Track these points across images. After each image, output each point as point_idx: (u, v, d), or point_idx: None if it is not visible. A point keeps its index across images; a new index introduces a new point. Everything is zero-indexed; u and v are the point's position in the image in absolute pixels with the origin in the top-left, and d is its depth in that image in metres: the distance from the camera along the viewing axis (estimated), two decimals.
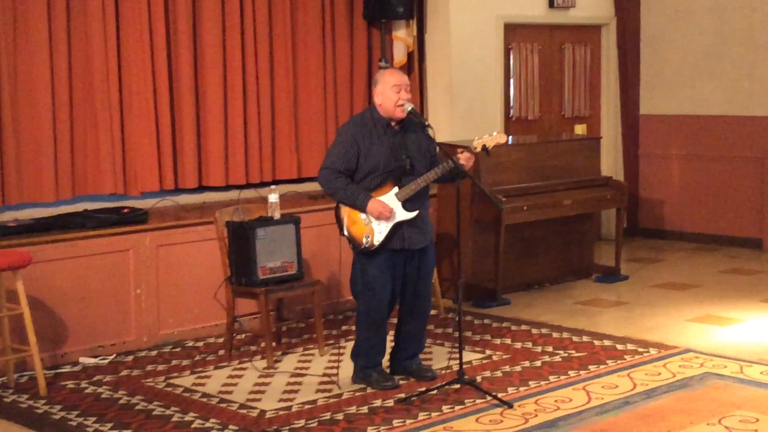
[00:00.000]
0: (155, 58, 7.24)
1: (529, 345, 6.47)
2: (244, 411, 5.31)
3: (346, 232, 5.57)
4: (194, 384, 5.84)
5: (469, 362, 6.05)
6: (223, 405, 5.42)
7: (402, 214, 5.50)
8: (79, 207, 6.89)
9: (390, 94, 5.50)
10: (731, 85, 9.65)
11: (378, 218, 5.47)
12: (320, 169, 5.58)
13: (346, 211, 5.55)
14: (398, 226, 5.50)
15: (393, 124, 5.56)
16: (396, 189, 5.50)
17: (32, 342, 5.67)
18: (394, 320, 5.85)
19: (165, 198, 7.39)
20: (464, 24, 8.68)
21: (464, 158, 5.45)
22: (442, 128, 8.39)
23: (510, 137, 8.94)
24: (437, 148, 5.71)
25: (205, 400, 5.53)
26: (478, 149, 5.53)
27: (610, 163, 9.99)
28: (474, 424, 4.99)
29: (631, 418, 5.05)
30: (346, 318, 7.30)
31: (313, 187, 8.14)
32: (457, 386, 5.47)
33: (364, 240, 5.49)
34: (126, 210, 6.74)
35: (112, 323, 6.48)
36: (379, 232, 5.48)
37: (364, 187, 5.49)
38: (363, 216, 5.49)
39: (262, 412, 5.29)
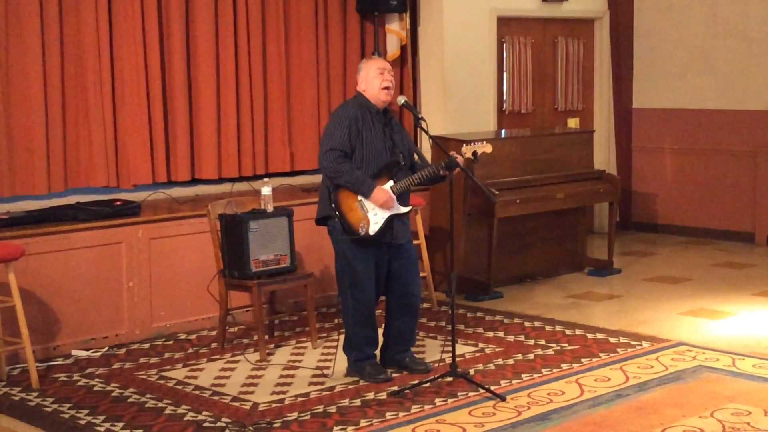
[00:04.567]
0: (148, 51, 7.22)
1: (522, 338, 6.47)
2: (236, 404, 5.31)
3: (343, 219, 5.48)
4: (187, 377, 5.83)
5: (462, 355, 6.06)
6: (216, 398, 5.42)
7: (397, 208, 5.51)
8: (72, 200, 6.89)
9: (374, 77, 5.52)
10: (724, 79, 9.66)
11: (381, 207, 5.45)
12: (325, 151, 5.44)
13: (343, 197, 5.49)
14: (390, 220, 5.50)
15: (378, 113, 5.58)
16: (391, 182, 5.50)
17: (24, 335, 5.66)
18: (382, 314, 5.85)
19: (158, 191, 7.37)
20: (457, 17, 8.67)
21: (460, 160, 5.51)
22: (436, 121, 8.39)
23: (503, 131, 8.95)
24: (430, 143, 5.73)
25: (197, 392, 5.52)
26: (468, 154, 5.55)
27: (603, 157, 9.99)
28: (467, 417, 4.99)
29: (623, 411, 5.05)
30: (339, 311, 7.28)
31: (306, 180, 8.14)
32: (450, 379, 5.48)
33: (360, 228, 5.46)
34: (118, 203, 6.73)
35: (105, 316, 6.47)
36: (375, 222, 5.46)
37: None
38: (360, 204, 5.48)
39: (255, 404, 5.28)
